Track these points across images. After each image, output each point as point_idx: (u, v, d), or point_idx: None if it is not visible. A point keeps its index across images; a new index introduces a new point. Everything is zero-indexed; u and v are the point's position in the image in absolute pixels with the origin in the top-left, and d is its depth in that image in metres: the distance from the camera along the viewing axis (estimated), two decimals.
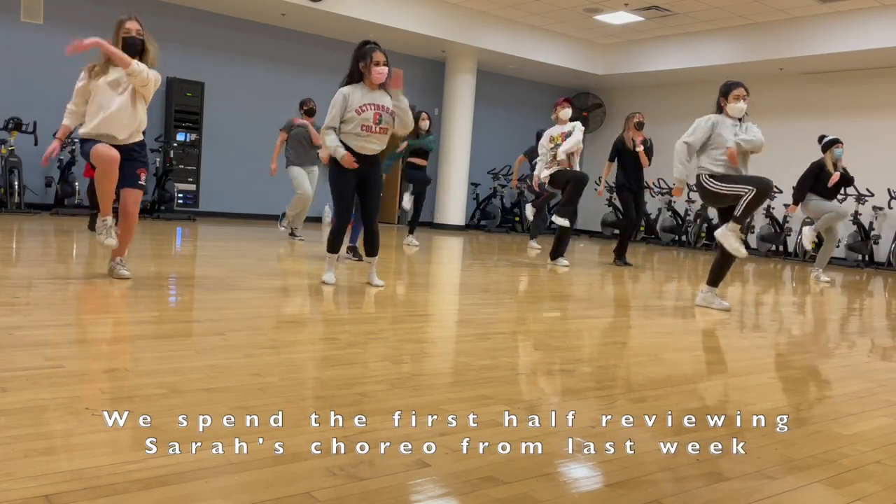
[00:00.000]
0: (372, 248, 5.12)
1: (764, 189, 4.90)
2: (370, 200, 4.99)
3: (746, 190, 4.92)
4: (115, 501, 1.55)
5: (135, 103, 4.54)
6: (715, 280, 5.31)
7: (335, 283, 5.08)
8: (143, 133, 4.74)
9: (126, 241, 4.68)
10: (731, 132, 5.00)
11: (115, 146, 4.47)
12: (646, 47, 13.41)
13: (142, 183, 4.65)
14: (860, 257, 11.39)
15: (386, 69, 4.82)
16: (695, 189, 13.39)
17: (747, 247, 12.85)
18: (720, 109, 5.12)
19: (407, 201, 9.21)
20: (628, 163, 8.27)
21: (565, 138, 7.56)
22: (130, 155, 4.58)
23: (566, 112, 7.65)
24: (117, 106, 4.45)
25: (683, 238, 13.61)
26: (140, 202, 4.71)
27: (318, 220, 12.42)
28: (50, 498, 1.53)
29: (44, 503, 1.51)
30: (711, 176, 5.02)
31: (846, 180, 8.07)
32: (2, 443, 1.81)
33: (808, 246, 8.42)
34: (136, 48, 4.50)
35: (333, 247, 5.14)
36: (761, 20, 11.62)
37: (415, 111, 9.01)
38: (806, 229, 8.35)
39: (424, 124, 8.93)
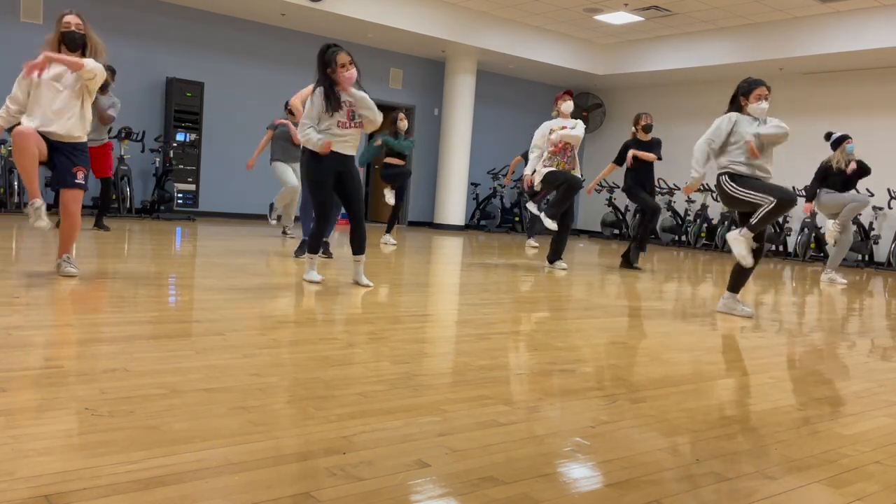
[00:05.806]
0: (358, 246, 5.05)
1: (786, 202, 4.66)
2: (353, 198, 4.95)
3: (767, 200, 4.69)
4: (115, 501, 1.55)
5: (78, 99, 4.40)
6: (735, 286, 5.08)
7: (320, 280, 5.11)
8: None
9: (69, 238, 4.54)
10: (750, 128, 4.74)
11: (54, 143, 4.35)
12: (646, 47, 13.41)
13: (79, 181, 4.43)
14: (860, 257, 11.39)
15: (354, 70, 4.73)
16: (699, 189, 13.47)
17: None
18: (739, 109, 4.83)
19: (389, 197, 9.15)
20: (641, 166, 7.86)
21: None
22: (69, 153, 4.41)
23: (568, 105, 7.39)
24: (59, 104, 4.34)
25: (683, 238, 13.61)
26: (81, 201, 4.51)
27: None
28: (50, 498, 1.53)
29: (44, 503, 1.51)
30: (732, 179, 4.78)
31: (864, 170, 7.87)
32: (2, 443, 1.81)
33: (831, 241, 8.15)
34: (76, 43, 4.38)
35: (314, 248, 5.11)
36: (761, 20, 11.62)
37: (397, 111, 9.00)
38: (830, 223, 8.00)
39: (403, 125, 8.84)
